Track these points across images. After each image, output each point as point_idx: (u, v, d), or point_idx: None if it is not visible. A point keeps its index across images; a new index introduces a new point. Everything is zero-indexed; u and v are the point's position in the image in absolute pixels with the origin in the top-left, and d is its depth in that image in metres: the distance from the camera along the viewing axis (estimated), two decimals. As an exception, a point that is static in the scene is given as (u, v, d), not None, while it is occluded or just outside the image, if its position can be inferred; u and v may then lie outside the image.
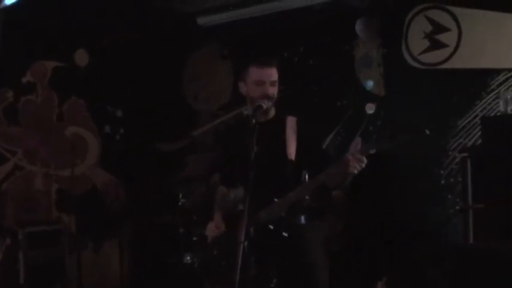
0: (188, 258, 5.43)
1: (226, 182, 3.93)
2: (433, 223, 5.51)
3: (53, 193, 6.47)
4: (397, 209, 5.62)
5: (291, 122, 3.79)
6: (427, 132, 3.48)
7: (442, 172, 5.54)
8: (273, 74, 3.71)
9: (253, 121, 3.43)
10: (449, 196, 5.52)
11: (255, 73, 3.71)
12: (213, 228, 3.84)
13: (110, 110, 7.03)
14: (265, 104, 3.59)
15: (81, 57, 6.69)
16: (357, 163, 3.37)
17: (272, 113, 3.80)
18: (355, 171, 3.39)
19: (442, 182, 5.56)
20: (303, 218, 3.70)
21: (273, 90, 3.69)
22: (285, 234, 3.55)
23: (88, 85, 6.74)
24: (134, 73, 6.87)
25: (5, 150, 6.13)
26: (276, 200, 3.56)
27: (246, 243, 3.17)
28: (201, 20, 6.17)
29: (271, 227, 3.53)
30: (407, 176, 5.62)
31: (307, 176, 3.72)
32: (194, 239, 5.54)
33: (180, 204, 5.83)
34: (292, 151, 3.71)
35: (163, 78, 7.01)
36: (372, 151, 3.41)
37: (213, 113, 6.81)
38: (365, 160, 3.39)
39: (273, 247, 3.55)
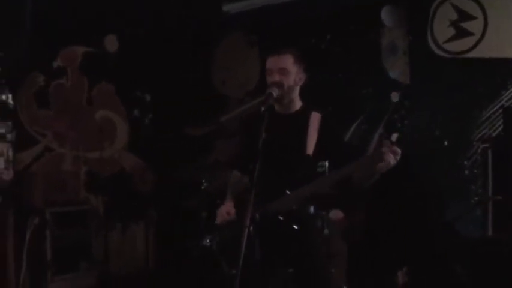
0: (208, 240, 5.49)
1: (241, 167, 3.97)
2: (455, 214, 5.47)
3: (82, 175, 6.61)
4: (420, 199, 5.60)
5: (314, 118, 3.72)
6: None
7: (465, 163, 5.49)
8: (281, 61, 3.66)
9: (262, 109, 3.44)
10: (472, 187, 5.47)
11: (267, 62, 3.72)
12: (224, 214, 3.88)
13: (139, 95, 7.13)
14: (275, 92, 3.59)
15: (111, 43, 6.79)
16: (392, 155, 3.20)
17: (297, 105, 3.78)
18: (390, 164, 3.21)
19: (466, 172, 5.51)
20: (312, 208, 3.70)
21: (281, 78, 3.62)
22: (295, 226, 3.55)
23: (118, 70, 6.83)
24: (163, 58, 6.94)
25: (36, 132, 6.27)
26: (288, 192, 3.57)
27: (251, 228, 3.20)
28: (226, 7, 6.22)
29: (281, 218, 3.54)
30: (431, 166, 5.59)
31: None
32: (216, 222, 5.62)
33: (203, 188, 5.90)
34: (311, 146, 3.65)
35: (192, 64, 7.08)
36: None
37: (240, 99, 6.87)
38: (400, 152, 3.21)
39: (283, 237, 3.56)
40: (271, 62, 3.69)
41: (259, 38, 6.75)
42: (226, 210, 3.87)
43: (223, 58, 7.07)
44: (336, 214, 4.17)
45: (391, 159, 3.20)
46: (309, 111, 3.76)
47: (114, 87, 6.90)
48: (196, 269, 5.86)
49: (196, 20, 6.75)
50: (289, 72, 3.66)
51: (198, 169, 6.06)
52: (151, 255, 6.89)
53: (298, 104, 3.78)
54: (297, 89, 3.76)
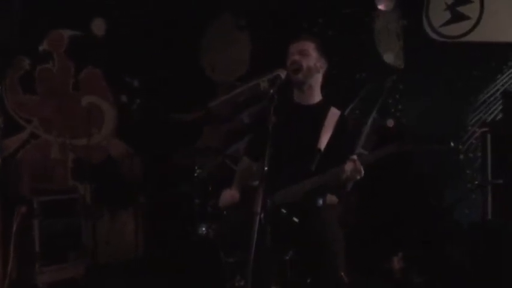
0: (203, 229, 5.41)
1: (251, 154, 3.91)
2: (451, 198, 5.46)
3: (69, 162, 6.46)
4: (415, 184, 5.58)
5: (333, 114, 3.70)
6: (452, 144, 3.37)
7: (460, 147, 5.48)
8: (302, 45, 3.67)
9: (271, 91, 3.37)
10: (468, 171, 5.47)
11: (288, 49, 3.72)
12: (228, 197, 3.82)
13: (126, 80, 6.97)
14: (283, 74, 3.52)
15: (98, 26, 6.64)
16: (354, 172, 3.28)
17: (316, 98, 3.75)
18: (350, 180, 3.32)
19: (461, 157, 5.50)
20: (321, 201, 3.65)
21: (300, 58, 3.62)
22: (295, 219, 3.50)
23: (105, 54, 6.67)
24: (151, 43, 6.81)
25: (21, 118, 6.11)
26: (292, 185, 3.53)
27: (262, 214, 3.13)
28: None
29: (284, 211, 3.50)
30: (426, 151, 5.55)
31: None
32: (209, 210, 5.55)
33: (195, 175, 5.80)
34: (324, 141, 3.62)
35: (181, 49, 6.95)
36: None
37: (230, 84, 6.77)
38: (362, 172, 3.27)
39: (285, 228, 3.51)
40: (292, 47, 3.70)
41: (249, 21, 6.66)
42: (231, 194, 3.81)
43: (212, 42, 6.95)
44: (330, 199, 4.13)
45: (350, 177, 3.28)
46: (328, 106, 3.73)
47: (102, 72, 6.74)
48: (189, 257, 5.78)
49: (185, 2, 6.61)
50: (309, 54, 3.66)
51: (189, 155, 5.97)
52: (141, 243, 6.80)
53: (318, 97, 3.76)
54: (318, 79, 3.73)
